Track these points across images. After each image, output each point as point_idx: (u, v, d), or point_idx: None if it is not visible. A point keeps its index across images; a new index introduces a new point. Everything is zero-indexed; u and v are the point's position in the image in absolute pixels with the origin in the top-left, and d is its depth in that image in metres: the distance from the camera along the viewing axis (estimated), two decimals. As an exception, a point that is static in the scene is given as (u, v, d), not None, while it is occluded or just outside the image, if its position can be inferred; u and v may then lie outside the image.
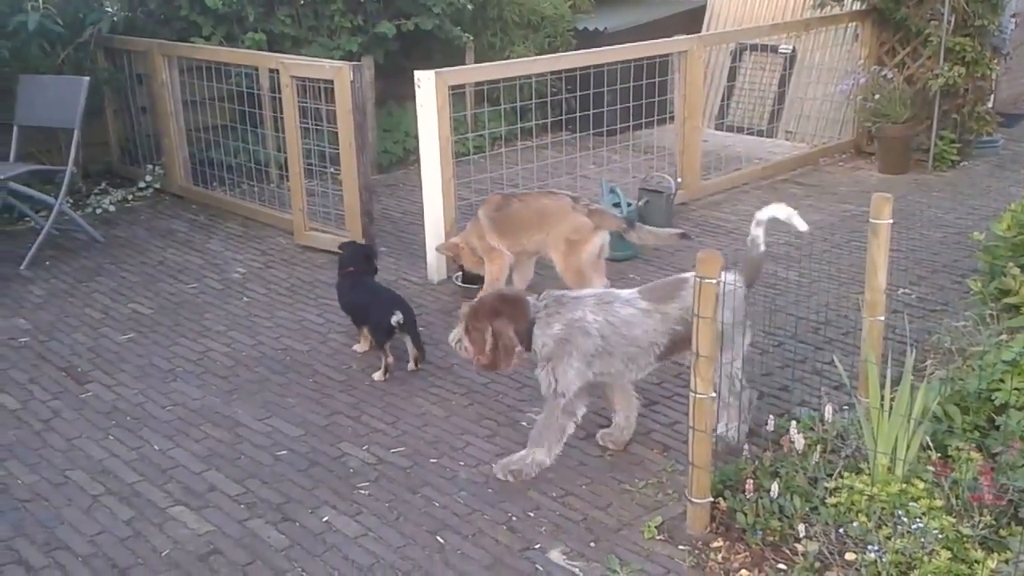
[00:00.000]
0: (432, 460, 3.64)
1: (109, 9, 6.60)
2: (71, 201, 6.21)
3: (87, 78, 6.02)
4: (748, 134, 8.25)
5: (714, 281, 2.99)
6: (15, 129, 6.12)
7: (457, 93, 6.40)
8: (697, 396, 3.06)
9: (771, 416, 3.49)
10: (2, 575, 3.00)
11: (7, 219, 6.34)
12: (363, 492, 3.44)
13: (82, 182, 6.83)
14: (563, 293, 3.50)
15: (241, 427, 3.89)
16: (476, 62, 7.75)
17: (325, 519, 3.28)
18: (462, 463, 3.62)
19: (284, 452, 3.70)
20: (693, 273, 3.40)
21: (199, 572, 3.00)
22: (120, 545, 3.13)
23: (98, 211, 6.70)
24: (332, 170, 6.11)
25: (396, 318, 4.28)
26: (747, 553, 3.06)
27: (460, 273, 5.34)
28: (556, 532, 3.19)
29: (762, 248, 3.62)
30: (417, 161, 7.82)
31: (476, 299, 3.56)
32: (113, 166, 7.41)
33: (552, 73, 6.60)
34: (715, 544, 3.10)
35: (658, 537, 3.15)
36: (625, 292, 3.53)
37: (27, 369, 4.40)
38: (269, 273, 5.62)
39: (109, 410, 4.02)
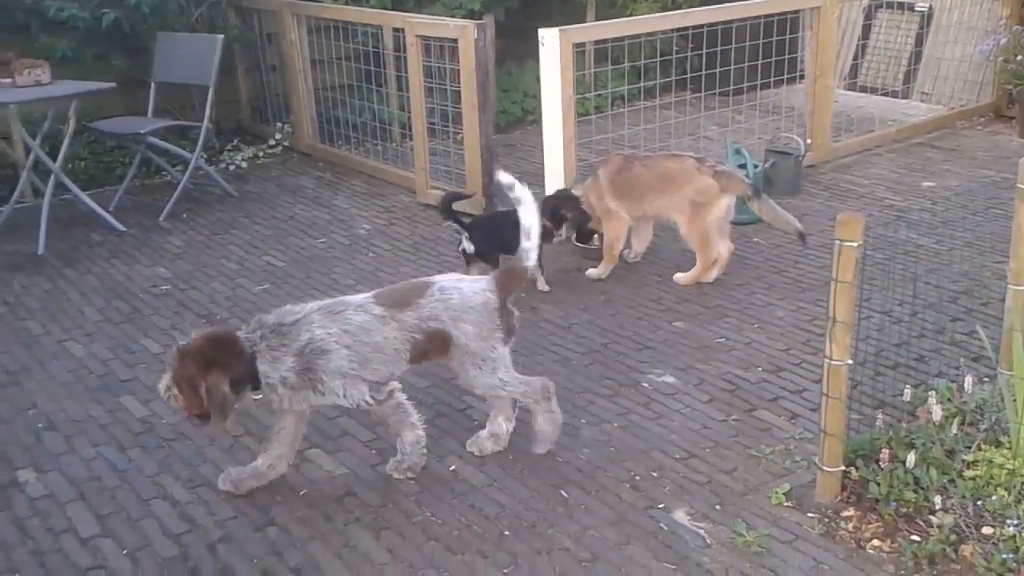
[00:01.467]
0: (554, 417, 3.67)
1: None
2: (205, 156, 6.45)
3: (221, 36, 6.21)
4: (881, 95, 7.92)
5: (854, 244, 2.90)
6: (152, 86, 6.38)
7: (577, 52, 6.34)
8: (832, 363, 2.98)
9: (907, 386, 3.38)
10: (150, 508, 3.18)
11: (145, 172, 6.64)
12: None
13: (215, 139, 7.08)
14: (279, 321, 3.06)
15: (370, 377, 4.00)
16: (596, 20, 7.66)
17: (452, 468, 3.35)
18: (584, 421, 3.64)
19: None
20: (442, 277, 3.28)
21: (335, 512, 3.12)
22: (260, 484, 3.29)
23: (231, 167, 6.96)
24: (453, 129, 6.18)
25: (462, 246, 4.67)
26: (879, 523, 2.99)
27: (575, 232, 5.29)
28: (680, 493, 3.19)
29: (530, 262, 3.24)
30: (535, 121, 7.86)
31: (187, 341, 3.04)
32: (244, 123, 7.66)
33: (676, 30, 6.46)
34: (846, 513, 3.04)
35: (786, 504, 3.11)
36: (357, 298, 3.20)
37: (169, 316, 4.63)
38: (392, 230, 5.73)
39: (246, 356, 4.19)
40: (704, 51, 6.42)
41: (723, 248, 4.82)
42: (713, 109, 6.77)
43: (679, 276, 4.83)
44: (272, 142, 7.32)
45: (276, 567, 2.88)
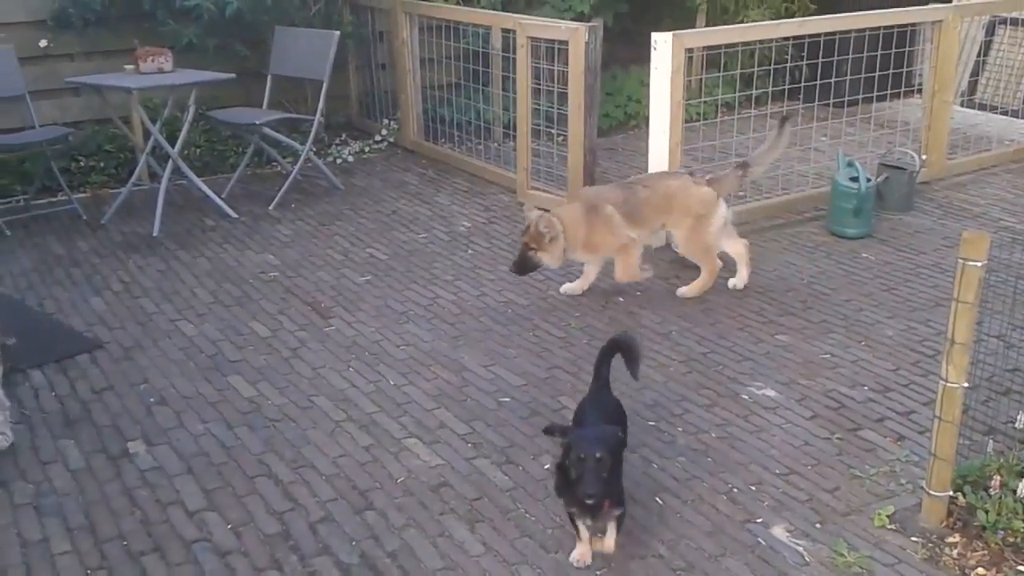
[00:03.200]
0: (650, 423, 3.65)
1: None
2: (314, 149, 6.61)
3: (337, 32, 6.36)
4: (1000, 113, 7.62)
5: (978, 264, 2.80)
6: (268, 78, 6.56)
7: (686, 57, 6.27)
8: (948, 385, 2.90)
9: (1021, 413, 3.26)
10: (255, 485, 3.28)
11: (257, 162, 6.84)
12: (582, 446, 3.49)
13: (324, 132, 7.25)
14: None
15: (467, 371, 4.05)
16: (706, 26, 7.58)
17: (547, 467, 3.36)
18: (680, 429, 3.61)
19: (507, 399, 3.82)
20: None
21: (431, 502, 3.17)
22: (360, 469, 3.35)
23: (338, 161, 7.12)
24: (557, 131, 6.19)
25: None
26: (985, 551, 2.89)
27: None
28: (779, 509, 3.13)
29: None
30: (637, 126, 7.83)
31: None
32: (352, 119, 7.82)
33: (792, 39, 6.34)
34: (950, 539, 2.95)
35: (889, 526, 3.02)
36: None
37: (276, 301, 4.76)
38: (492, 228, 5.78)
39: (349, 344, 4.29)
40: (820, 60, 6.28)
41: (738, 246, 4.81)
42: (824, 120, 6.62)
43: (683, 290, 4.78)
44: (378, 138, 7.47)
45: (373, 550, 2.94)
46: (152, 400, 3.83)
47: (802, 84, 6.38)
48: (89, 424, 3.66)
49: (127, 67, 5.95)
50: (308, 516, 3.10)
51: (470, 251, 5.42)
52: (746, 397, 3.81)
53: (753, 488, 3.24)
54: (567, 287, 4.84)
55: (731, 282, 4.83)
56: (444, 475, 3.31)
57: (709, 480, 3.29)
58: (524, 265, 4.61)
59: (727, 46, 5.88)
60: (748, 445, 3.48)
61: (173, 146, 5.93)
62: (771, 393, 3.84)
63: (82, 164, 6.47)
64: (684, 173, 4.86)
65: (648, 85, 5.31)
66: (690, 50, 5.47)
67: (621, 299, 4.74)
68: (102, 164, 6.52)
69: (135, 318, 4.58)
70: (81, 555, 2.94)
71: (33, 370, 4.05)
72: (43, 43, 6.40)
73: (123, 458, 3.44)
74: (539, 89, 6.11)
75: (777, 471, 3.33)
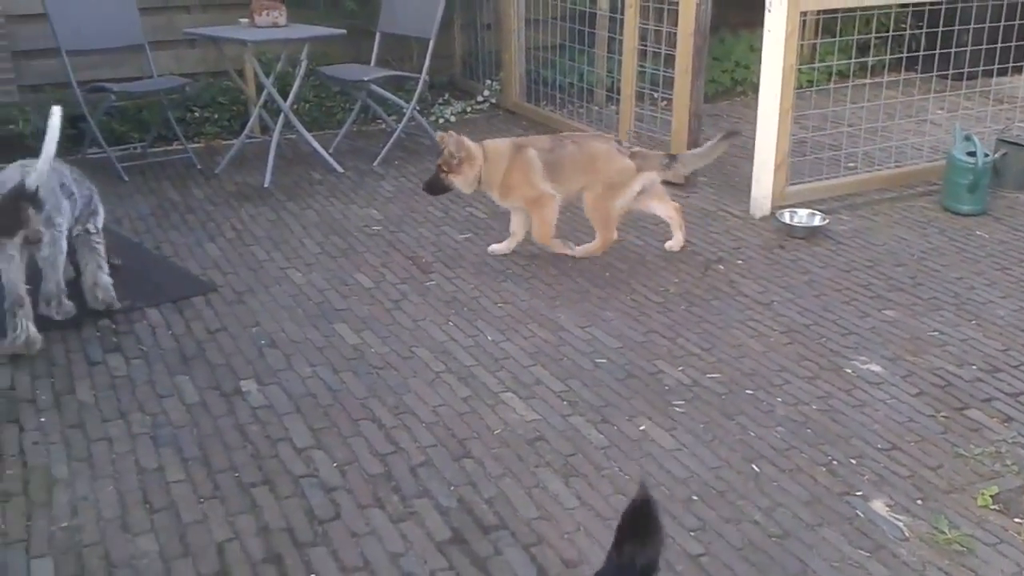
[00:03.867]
0: (748, 391, 3.62)
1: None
2: (418, 108, 6.69)
3: (447, -9, 6.40)
4: None
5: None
6: (377, 35, 6.66)
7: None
8: (1066, 365, 2.80)
9: None
10: (359, 427, 3.40)
11: (363, 119, 6.96)
12: (678, 409, 3.50)
13: (427, 92, 7.32)
14: None
15: (564, 331, 4.08)
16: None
17: (642, 428, 3.38)
18: (779, 399, 3.58)
19: (603, 361, 3.84)
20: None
21: (527, 454, 3.23)
22: (458, 418, 3.44)
23: (440, 120, 7.19)
24: (661, 95, 6.12)
25: None
26: (1095, 540, 2.81)
27: (789, 211, 5.13)
28: (880, 483, 3.08)
29: None
30: (744, 93, 7.68)
31: None
32: (455, 78, 7.87)
33: (912, 5, 6.11)
34: (1057, 525, 2.88)
35: (992, 507, 2.96)
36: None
37: (379, 254, 4.87)
38: (592, 191, 5.76)
39: (449, 299, 4.37)
40: (939, 30, 6.04)
41: (670, 210, 4.86)
42: (941, 92, 6.38)
43: (577, 249, 4.84)
44: (480, 99, 7.51)
45: (471, 496, 3.02)
46: (263, 342, 3.98)
47: (920, 54, 6.17)
48: (203, 362, 3.84)
49: (242, 20, 6.11)
50: (409, 460, 3.20)
51: (568, 213, 5.41)
52: (849, 371, 3.75)
53: (853, 461, 3.20)
54: (494, 247, 4.84)
55: (668, 244, 4.90)
56: (540, 430, 3.37)
57: (808, 451, 3.26)
58: (434, 186, 4.74)
59: (844, 10, 5.69)
60: (850, 419, 3.44)
61: (284, 100, 6.08)
62: (876, 368, 3.76)
63: (196, 115, 6.68)
64: (612, 139, 4.87)
65: (759, 50, 5.20)
66: (804, 14, 5.34)
67: (721, 267, 4.70)
68: (216, 116, 6.73)
69: (247, 264, 4.75)
70: (195, 484, 3.09)
71: (150, 309, 4.25)
72: (161, -7, 6.62)
73: (236, 395, 3.59)
74: (645, 51, 6.05)
75: (879, 446, 3.28)
